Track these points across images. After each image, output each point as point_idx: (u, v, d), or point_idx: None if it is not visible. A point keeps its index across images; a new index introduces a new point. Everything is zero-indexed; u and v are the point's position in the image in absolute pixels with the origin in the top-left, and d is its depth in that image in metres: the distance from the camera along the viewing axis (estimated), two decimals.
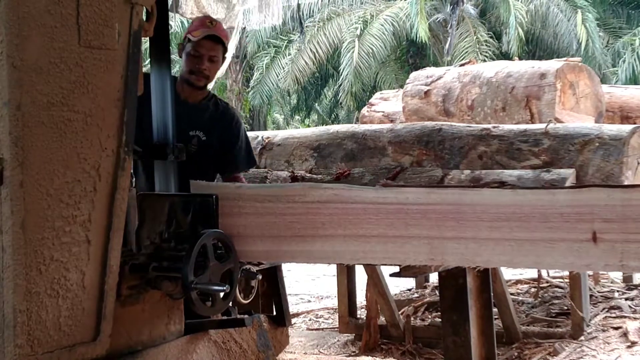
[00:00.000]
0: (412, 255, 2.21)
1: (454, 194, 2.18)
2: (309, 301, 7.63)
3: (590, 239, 2.06)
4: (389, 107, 6.60)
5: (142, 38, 2.34)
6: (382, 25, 18.23)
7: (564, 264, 2.16)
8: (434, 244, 2.17)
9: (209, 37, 3.14)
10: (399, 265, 2.69)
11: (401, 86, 6.99)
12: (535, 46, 18.67)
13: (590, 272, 5.95)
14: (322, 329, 6.29)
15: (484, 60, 14.33)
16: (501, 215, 2.11)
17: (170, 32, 2.84)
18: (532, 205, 2.10)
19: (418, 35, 16.57)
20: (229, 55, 3.66)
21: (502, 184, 2.36)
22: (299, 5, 8.99)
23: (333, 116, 24.05)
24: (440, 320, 4.06)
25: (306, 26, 17.74)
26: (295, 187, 2.43)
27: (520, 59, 11.92)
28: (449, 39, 16.67)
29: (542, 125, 3.39)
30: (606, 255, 2.06)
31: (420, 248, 2.18)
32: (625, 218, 2.02)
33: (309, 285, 8.32)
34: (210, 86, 3.41)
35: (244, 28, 5.51)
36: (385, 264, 2.54)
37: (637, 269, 2.10)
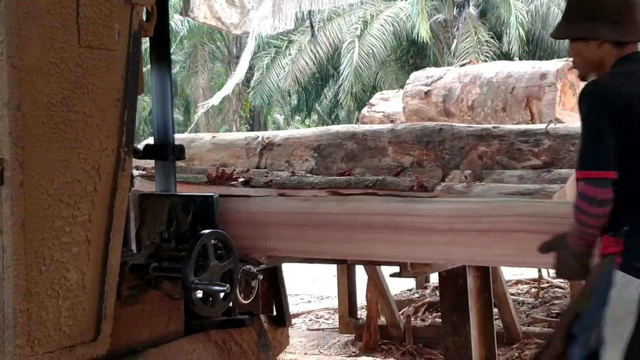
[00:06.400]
0: None
1: None
2: (309, 301, 7.62)
3: None
4: (389, 107, 6.57)
5: (142, 38, 2.34)
6: (382, 25, 18.19)
7: None
8: None
9: None
10: None
11: (401, 86, 6.97)
12: (536, 46, 18.63)
13: None
14: (323, 329, 6.28)
15: (485, 61, 14.29)
16: None
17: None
18: None
19: (419, 36, 16.55)
20: (244, 60, 3.57)
21: None
22: (310, 12, 8.97)
23: (333, 116, 24.00)
24: (440, 320, 4.05)
25: (307, 26, 17.71)
26: None
27: (520, 59, 11.90)
28: (455, 40, 16.62)
29: (543, 126, 3.39)
30: None
31: None
32: None
33: (309, 285, 8.30)
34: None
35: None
36: None
37: None
